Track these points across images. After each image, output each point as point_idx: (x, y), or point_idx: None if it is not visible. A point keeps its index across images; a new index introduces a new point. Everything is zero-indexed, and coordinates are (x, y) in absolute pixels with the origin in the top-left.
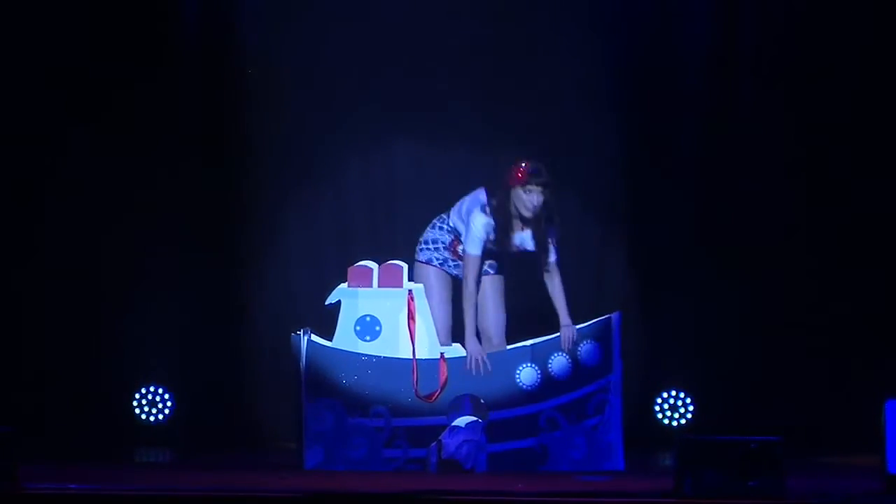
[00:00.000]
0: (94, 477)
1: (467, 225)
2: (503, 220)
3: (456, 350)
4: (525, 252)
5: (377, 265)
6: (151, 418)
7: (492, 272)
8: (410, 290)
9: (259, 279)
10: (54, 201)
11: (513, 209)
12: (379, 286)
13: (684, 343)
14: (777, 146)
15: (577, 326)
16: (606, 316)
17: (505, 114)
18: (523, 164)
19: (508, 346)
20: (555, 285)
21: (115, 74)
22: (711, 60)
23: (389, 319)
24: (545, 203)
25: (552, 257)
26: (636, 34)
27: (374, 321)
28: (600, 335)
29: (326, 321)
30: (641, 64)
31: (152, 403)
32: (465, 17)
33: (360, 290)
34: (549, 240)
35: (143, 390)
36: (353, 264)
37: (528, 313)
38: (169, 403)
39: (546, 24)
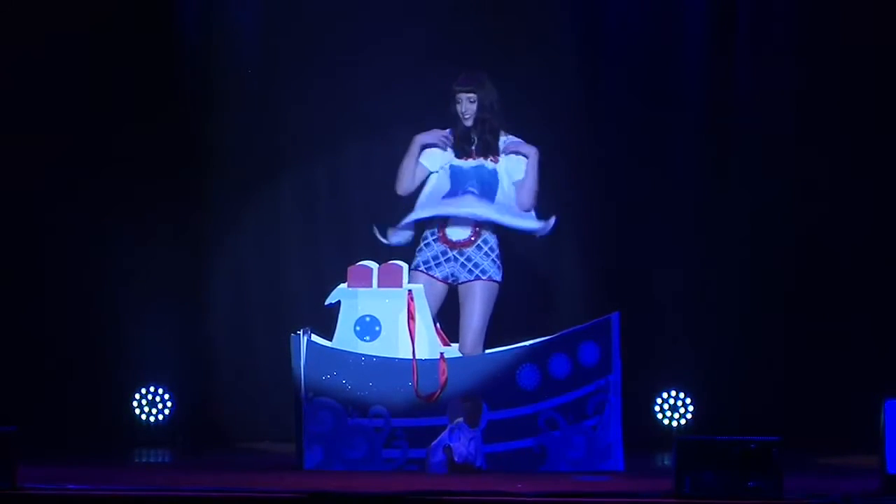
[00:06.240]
0: (93, 477)
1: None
2: (457, 127)
3: (456, 350)
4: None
5: (377, 265)
6: (151, 418)
7: (483, 277)
8: (410, 290)
9: (259, 279)
10: (53, 202)
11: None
12: (379, 286)
13: (684, 343)
14: (777, 143)
15: (577, 326)
16: (606, 316)
17: (506, 107)
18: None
19: (508, 347)
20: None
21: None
22: (711, 54)
23: (389, 320)
24: (481, 108)
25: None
26: (635, 26)
27: (374, 321)
28: (600, 335)
29: (326, 321)
30: (640, 60)
31: (152, 403)
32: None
33: (359, 290)
34: (491, 143)
35: (143, 390)
36: (352, 264)
37: (526, 313)
38: (169, 403)
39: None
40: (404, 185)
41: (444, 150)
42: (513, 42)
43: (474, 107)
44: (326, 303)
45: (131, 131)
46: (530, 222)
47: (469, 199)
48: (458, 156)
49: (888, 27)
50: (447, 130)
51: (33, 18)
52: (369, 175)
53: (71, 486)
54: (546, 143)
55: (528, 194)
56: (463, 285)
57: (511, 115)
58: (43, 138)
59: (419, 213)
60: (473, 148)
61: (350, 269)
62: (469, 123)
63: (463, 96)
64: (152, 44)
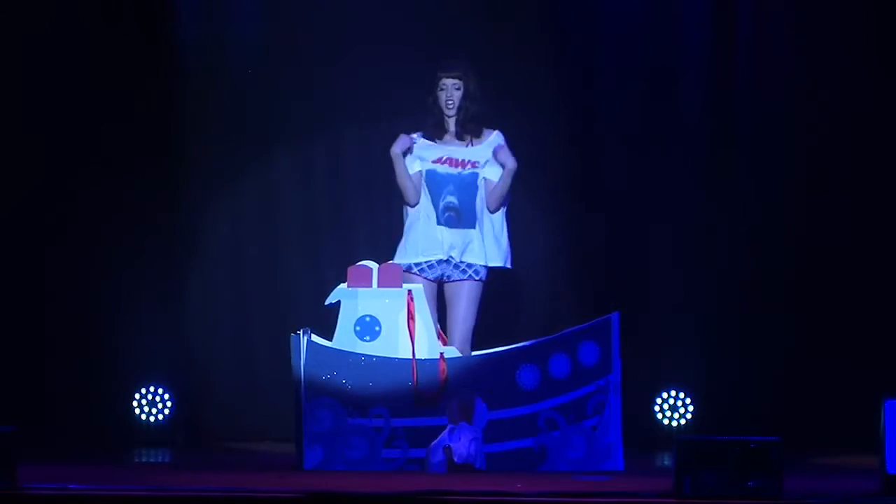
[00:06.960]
0: (94, 477)
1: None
2: (435, 117)
3: (456, 350)
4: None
5: (377, 265)
6: (151, 418)
7: (476, 278)
8: (410, 290)
9: (259, 279)
10: (53, 203)
11: (441, 108)
12: (378, 286)
13: (684, 343)
14: (778, 144)
15: (577, 326)
16: (606, 316)
17: (506, 106)
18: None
19: (508, 347)
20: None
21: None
22: (711, 55)
23: (389, 319)
24: (465, 96)
25: (489, 156)
26: (634, 25)
27: (374, 321)
28: (600, 335)
29: (326, 321)
30: (640, 60)
31: (152, 403)
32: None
33: (359, 290)
34: (473, 130)
35: (143, 390)
36: (352, 264)
37: (527, 313)
38: (169, 403)
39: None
40: (411, 198)
41: (423, 143)
42: (511, 41)
43: (459, 94)
44: (326, 303)
45: (131, 130)
46: (497, 262)
47: (449, 234)
48: (433, 153)
49: (888, 27)
50: (417, 133)
51: (33, 18)
52: (370, 176)
53: (71, 486)
54: (544, 143)
55: (497, 200)
56: (452, 283)
57: (509, 114)
58: (43, 138)
59: (409, 258)
60: (449, 136)
61: (350, 269)
62: (451, 113)
63: (448, 82)
64: (152, 43)
